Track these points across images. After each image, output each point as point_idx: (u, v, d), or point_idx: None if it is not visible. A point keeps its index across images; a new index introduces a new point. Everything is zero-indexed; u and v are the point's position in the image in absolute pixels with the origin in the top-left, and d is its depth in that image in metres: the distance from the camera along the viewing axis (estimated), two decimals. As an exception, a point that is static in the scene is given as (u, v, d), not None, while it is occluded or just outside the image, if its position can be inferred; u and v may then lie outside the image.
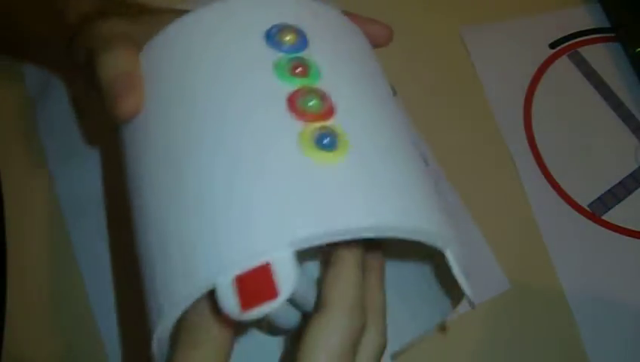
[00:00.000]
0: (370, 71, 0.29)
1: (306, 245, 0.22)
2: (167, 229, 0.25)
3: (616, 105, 0.49)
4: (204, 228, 0.23)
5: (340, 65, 0.28)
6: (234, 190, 0.24)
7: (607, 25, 0.52)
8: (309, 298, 0.28)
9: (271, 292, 0.22)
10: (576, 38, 0.52)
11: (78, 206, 0.42)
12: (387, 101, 0.29)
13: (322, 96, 0.25)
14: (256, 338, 0.37)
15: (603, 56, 0.51)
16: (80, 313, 0.39)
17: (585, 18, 0.53)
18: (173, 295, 0.23)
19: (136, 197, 0.27)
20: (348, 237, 0.23)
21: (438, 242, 0.25)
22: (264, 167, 0.24)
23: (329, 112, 0.25)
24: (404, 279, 0.34)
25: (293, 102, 0.25)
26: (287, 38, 0.27)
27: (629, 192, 0.46)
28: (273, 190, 0.23)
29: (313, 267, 0.32)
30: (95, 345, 0.38)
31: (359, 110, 0.26)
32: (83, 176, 0.43)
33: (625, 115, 0.49)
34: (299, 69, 0.26)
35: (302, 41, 0.27)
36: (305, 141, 0.24)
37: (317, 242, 0.22)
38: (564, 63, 0.51)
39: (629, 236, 0.45)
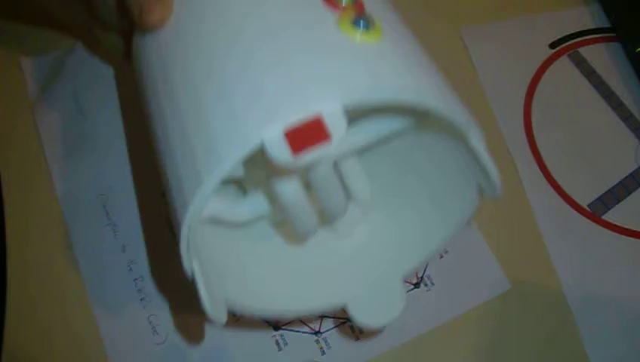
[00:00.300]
0: None
1: (357, 102, 0.23)
2: (207, 101, 0.24)
3: (616, 105, 0.49)
4: (251, 89, 0.23)
5: None
6: (281, 60, 0.24)
7: (607, 25, 0.52)
8: (337, 190, 0.29)
9: (323, 136, 0.22)
10: (576, 38, 0.52)
11: (78, 206, 0.42)
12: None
13: None
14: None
15: (603, 56, 0.51)
16: (80, 313, 0.39)
17: (585, 18, 0.53)
18: (216, 155, 0.23)
19: (165, 88, 0.27)
20: (396, 100, 0.23)
21: (466, 123, 0.26)
22: (311, 40, 0.25)
23: (360, 6, 0.27)
24: (429, 176, 0.34)
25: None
26: None
27: (629, 192, 0.46)
28: (322, 56, 0.24)
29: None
30: (95, 345, 0.38)
31: (380, 6, 0.28)
32: (83, 176, 0.43)
33: (625, 115, 0.49)
34: None
35: None
36: (344, 24, 0.25)
37: (367, 101, 0.23)
38: (564, 63, 0.51)
39: (629, 236, 0.45)
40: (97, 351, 0.38)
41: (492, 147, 0.47)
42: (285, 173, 0.27)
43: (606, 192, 0.46)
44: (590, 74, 0.50)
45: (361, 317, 0.32)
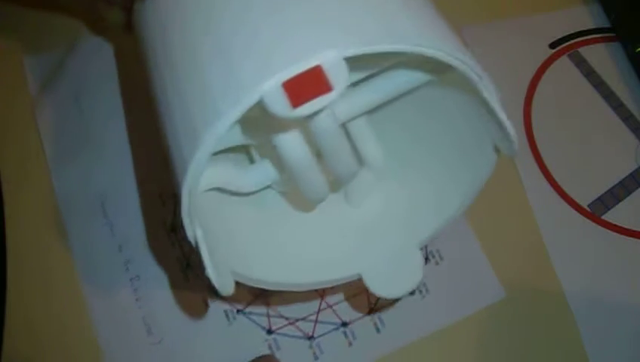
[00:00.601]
0: None
1: (359, 51, 0.21)
2: (204, 58, 0.23)
3: (616, 105, 0.49)
4: (247, 41, 0.22)
5: None
6: (278, 8, 0.23)
7: (607, 25, 0.52)
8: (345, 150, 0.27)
9: (324, 87, 0.21)
10: (576, 38, 0.52)
11: (75, 204, 0.42)
12: None
13: None
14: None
15: (603, 56, 0.51)
16: (74, 312, 0.39)
17: (585, 18, 0.53)
18: (213, 112, 0.22)
19: (165, 51, 0.26)
20: (402, 47, 0.22)
21: (482, 75, 0.25)
22: None
23: None
24: (442, 140, 0.33)
25: None
26: None
27: (629, 192, 0.46)
28: (322, 1, 0.23)
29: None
30: (90, 344, 0.38)
31: None
32: (82, 175, 0.43)
33: (625, 115, 0.49)
34: None
35: None
36: None
37: (371, 47, 0.21)
38: (564, 63, 0.51)
39: (629, 236, 0.45)
40: (92, 350, 0.38)
41: (492, 147, 0.48)
42: (287, 127, 0.25)
43: (606, 192, 0.46)
44: (590, 74, 0.50)
45: (378, 287, 0.31)
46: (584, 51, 0.51)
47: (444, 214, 0.33)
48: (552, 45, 0.51)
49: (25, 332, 0.38)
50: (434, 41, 0.23)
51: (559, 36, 0.51)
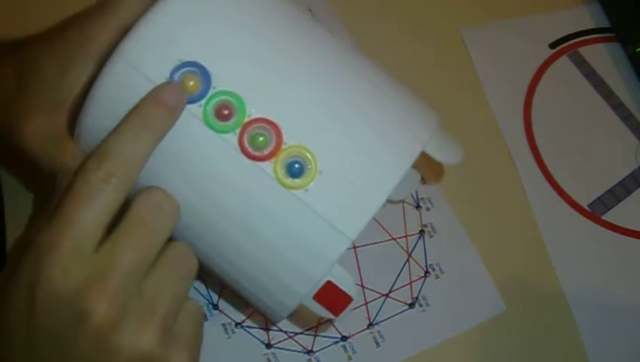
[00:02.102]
0: (283, 33, 0.28)
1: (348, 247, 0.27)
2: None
3: (616, 105, 0.49)
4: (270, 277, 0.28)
5: (252, 70, 0.27)
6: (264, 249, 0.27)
7: (607, 25, 0.52)
8: None
9: (345, 299, 0.28)
10: (576, 38, 0.52)
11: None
12: (319, 53, 0.28)
13: (263, 124, 0.26)
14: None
15: (603, 56, 0.51)
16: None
17: (585, 18, 0.52)
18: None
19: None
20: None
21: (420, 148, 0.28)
22: (269, 216, 0.27)
23: (279, 134, 0.26)
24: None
25: (245, 148, 0.26)
26: (191, 84, 0.26)
27: (629, 192, 0.46)
28: (288, 236, 0.27)
29: None
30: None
31: (300, 108, 0.27)
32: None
33: (625, 115, 0.49)
34: (225, 112, 0.26)
35: (205, 77, 0.26)
36: (280, 175, 0.26)
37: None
38: (564, 63, 0.51)
39: (629, 236, 0.45)
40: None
41: (492, 147, 0.48)
42: None
43: (606, 192, 0.46)
44: (590, 74, 0.50)
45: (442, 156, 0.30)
46: (584, 51, 0.51)
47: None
48: (552, 45, 0.51)
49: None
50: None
51: (559, 36, 0.51)
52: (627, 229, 0.45)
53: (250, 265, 0.28)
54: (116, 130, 0.25)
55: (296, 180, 0.26)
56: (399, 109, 0.29)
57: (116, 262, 0.24)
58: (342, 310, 0.28)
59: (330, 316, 0.28)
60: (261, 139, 0.26)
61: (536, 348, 0.41)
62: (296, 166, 0.26)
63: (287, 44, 0.28)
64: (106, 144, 0.25)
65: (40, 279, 0.24)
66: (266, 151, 0.26)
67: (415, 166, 0.29)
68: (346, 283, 0.28)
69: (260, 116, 0.26)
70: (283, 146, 0.26)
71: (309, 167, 0.26)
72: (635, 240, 0.44)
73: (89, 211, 0.24)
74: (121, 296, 0.24)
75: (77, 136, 0.28)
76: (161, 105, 0.25)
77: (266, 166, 0.26)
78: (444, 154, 0.30)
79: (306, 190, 0.26)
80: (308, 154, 0.26)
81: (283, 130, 0.26)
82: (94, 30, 0.30)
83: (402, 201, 0.43)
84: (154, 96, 0.26)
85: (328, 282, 0.27)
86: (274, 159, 0.26)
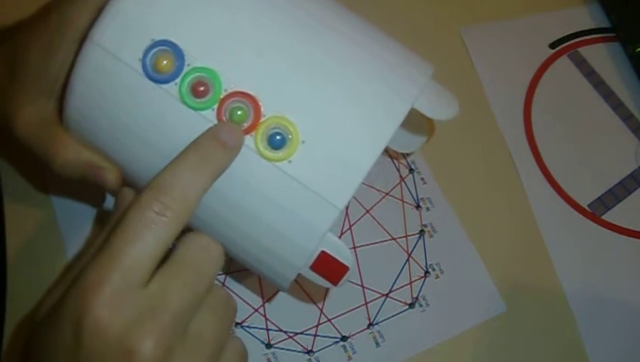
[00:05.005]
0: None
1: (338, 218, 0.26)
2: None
3: (616, 105, 0.49)
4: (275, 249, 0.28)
5: (224, 43, 0.26)
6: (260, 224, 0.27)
7: (607, 25, 0.52)
8: None
9: (342, 268, 0.28)
10: (576, 38, 0.52)
11: (72, 208, 0.41)
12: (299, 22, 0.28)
13: (240, 98, 0.26)
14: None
15: (603, 56, 0.51)
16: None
17: (585, 18, 0.53)
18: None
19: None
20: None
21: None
22: (260, 194, 0.26)
23: (257, 107, 0.26)
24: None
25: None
26: (164, 63, 0.26)
27: (629, 192, 0.46)
28: (276, 209, 0.26)
29: None
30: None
31: (276, 78, 0.26)
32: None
33: (625, 115, 0.49)
34: (201, 88, 0.26)
35: (178, 55, 0.26)
36: (261, 148, 0.26)
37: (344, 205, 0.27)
38: (564, 63, 0.51)
39: (629, 236, 0.45)
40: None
41: (492, 147, 0.48)
42: None
43: (606, 192, 0.46)
44: (590, 74, 0.50)
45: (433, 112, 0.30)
46: (584, 51, 0.51)
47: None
48: (552, 45, 0.51)
49: (24, 331, 0.38)
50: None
51: (559, 36, 0.52)
52: (627, 229, 0.45)
53: (245, 241, 0.27)
54: (173, 164, 0.25)
55: (279, 152, 0.26)
56: (384, 67, 0.28)
57: (167, 302, 0.23)
58: (340, 278, 0.28)
59: (330, 285, 0.28)
60: (239, 113, 0.26)
61: (536, 348, 0.41)
62: (277, 138, 0.26)
63: (258, 12, 0.27)
64: (162, 178, 0.24)
65: (86, 316, 0.23)
66: (245, 125, 0.26)
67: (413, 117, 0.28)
68: (340, 251, 0.27)
69: (236, 90, 0.26)
70: (262, 118, 0.26)
71: (290, 137, 0.26)
72: (635, 240, 0.44)
73: (143, 245, 0.23)
74: (169, 336, 0.23)
75: (65, 122, 0.28)
76: (220, 144, 0.25)
77: (247, 140, 0.26)
78: (436, 110, 0.29)
79: (290, 161, 0.26)
80: (288, 125, 0.26)
81: (261, 102, 0.26)
82: (73, 14, 0.29)
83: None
84: (213, 134, 0.25)
85: (322, 252, 0.27)
86: (254, 132, 0.26)
